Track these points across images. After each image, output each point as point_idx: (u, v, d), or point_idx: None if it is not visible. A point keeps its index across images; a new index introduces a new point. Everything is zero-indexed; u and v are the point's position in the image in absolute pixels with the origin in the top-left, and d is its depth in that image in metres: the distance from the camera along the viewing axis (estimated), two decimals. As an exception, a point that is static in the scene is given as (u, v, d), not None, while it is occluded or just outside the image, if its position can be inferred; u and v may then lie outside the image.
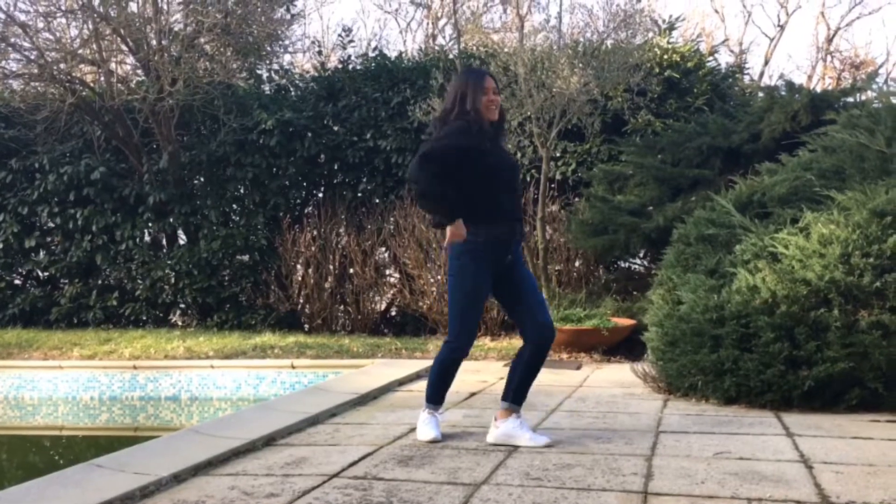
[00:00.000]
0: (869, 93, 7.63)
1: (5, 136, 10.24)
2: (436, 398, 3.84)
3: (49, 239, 10.38)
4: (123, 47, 9.75)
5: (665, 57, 9.09)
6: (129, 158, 10.02)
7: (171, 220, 9.86)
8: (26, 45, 9.36)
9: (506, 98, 7.75)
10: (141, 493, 2.94)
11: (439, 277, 8.73)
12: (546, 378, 5.31)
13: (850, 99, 7.68)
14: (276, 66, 11.00)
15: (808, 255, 4.57)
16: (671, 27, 9.71)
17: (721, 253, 5.22)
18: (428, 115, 8.49)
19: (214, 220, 9.72)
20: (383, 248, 9.60)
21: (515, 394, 3.69)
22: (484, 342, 7.86)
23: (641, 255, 8.73)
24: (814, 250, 4.56)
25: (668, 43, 9.35)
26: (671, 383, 4.94)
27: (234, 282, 9.71)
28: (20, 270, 10.52)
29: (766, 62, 18.62)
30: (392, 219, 9.36)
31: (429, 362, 6.50)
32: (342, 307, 9.56)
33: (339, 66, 10.62)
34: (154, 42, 9.28)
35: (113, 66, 9.67)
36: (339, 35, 11.32)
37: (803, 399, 4.34)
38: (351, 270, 9.37)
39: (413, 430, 3.99)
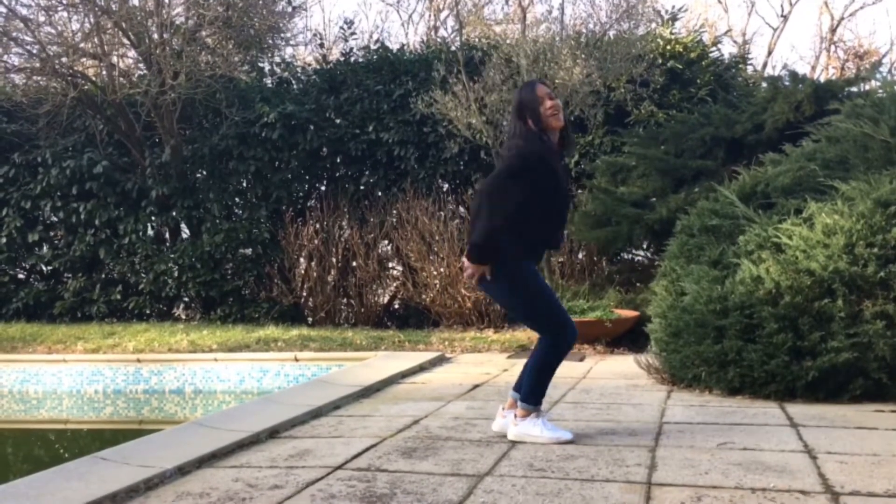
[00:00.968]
0: (873, 82, 7.60)
1: (8, 131, 10.25)
2: (541, 399, 3.61)
3: (52, 233, 10.40)
4: (125, 41, 9.74)
5: (668, 48, 9.06)
6: (131, 152, 10.03)
7: (174, 213, 9.87)
8: (28, 39, 9.37)
9: (508, 90, 7.73)
10: (145, 486, 2.95)
11: (442, 270, 8.72)
12: (549, 370, 5.30)
13: (854, 89, 7.65)
14: (277, 59, 10.99)
15: (811, 245, 4.56)
16: (674, 18, 9.68)
17: (725, 244, 5.21)
18: (430, 107, 8.48)
19: (217, 214, 9.73)
20: (386, 241, 9.60)
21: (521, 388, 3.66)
22: (487, 335, 7.86)
23: (645, 246, 8.72)
24: (818, 241, 4.55)
25: (671, 33, 9.32)
26: (675, 374, 4.93)
27: (237, 275, 9.72)
28: (24, 265, 10.54)
29: (770, 52, 18.55)
30: (395, 211, 9.36)
31: (432, 355, 6.54)
32: (345, 300, 9.57)
33: (341, 58, 10.61)
34: (156, 35, 9.27)
35: (115, 59, 9.66)
36: (341, 28, 11.30)
37: (807, 390, 4.33)
38: (354, 263, 9.38)
39: (416, 421, 3.98)
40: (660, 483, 2.84)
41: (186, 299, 10.11)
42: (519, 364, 5.63)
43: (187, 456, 3.28)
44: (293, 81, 10.66)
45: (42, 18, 9.53)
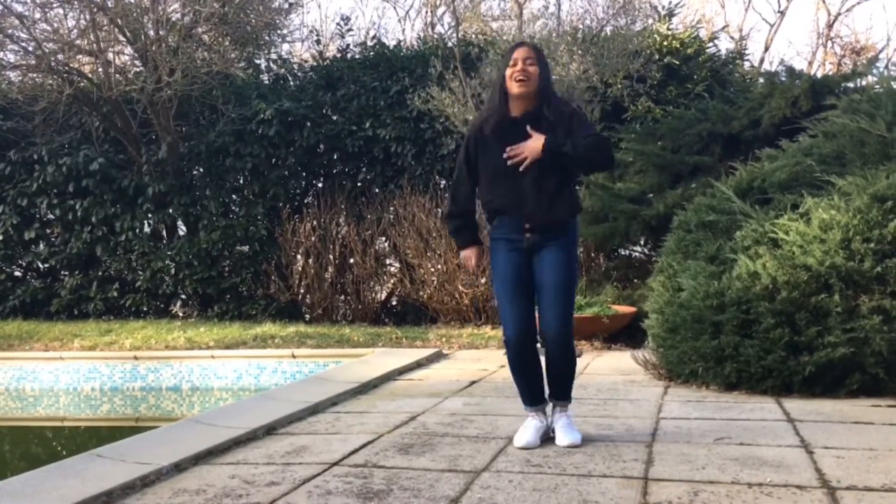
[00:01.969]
0: (869, 78, 7.60)
1: (3, 128, 10.22)
2: (523, 399, 3.49)
3: (49, 230, 10.38)
4: (121, 38, 9.72)
5: (665, 43, 9.05)
6: (127, 149, 10.00)
7: (171, 210, 9.85)
8: (23, 36, 9.34)
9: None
10: (142, 483, 2.94)
11: (440, 266, 8.72)
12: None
13: (851, 84, 7.65)
14: (274, 56, 10.98)
15: (808, 240, 4.56)
16: (671, 13, 9.67)
17: (721, 239, 5.21)
18: (427, 103, 8.47)
19: (214, 211, 9.71)
20: (383, 238, 9.59)
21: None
22: (485, 331, 7.86)
23: (642, 242, 8.71)
24: (814, 236, 4.55)
25: (668, 29, 9.31)
26: (672, 370, 4.93)
27: (234, 272, 9.71)
28: (20, 262, 10.52)
29: (767, 48, 18.50)
30: (392, 208, 9.34)
31: (429, 351, 6.54)
32: (342, 297, 9.57)
33: (338, 55, 10.59)
34: (151, 32, 9.24)
35: (111, 56, 9.64)
36: (338, 24, 11.28)
37: (804, 385, 4.33)
38: (351, 260, 9.37)
39: (413, 418, 3.98)
40: (657, 478, 2.84)
41: (183, 296, 10.09)
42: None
43: (184, 453, 3.28)
44: (290, 78, 10.63)
45: (38, 15, 9.52)
